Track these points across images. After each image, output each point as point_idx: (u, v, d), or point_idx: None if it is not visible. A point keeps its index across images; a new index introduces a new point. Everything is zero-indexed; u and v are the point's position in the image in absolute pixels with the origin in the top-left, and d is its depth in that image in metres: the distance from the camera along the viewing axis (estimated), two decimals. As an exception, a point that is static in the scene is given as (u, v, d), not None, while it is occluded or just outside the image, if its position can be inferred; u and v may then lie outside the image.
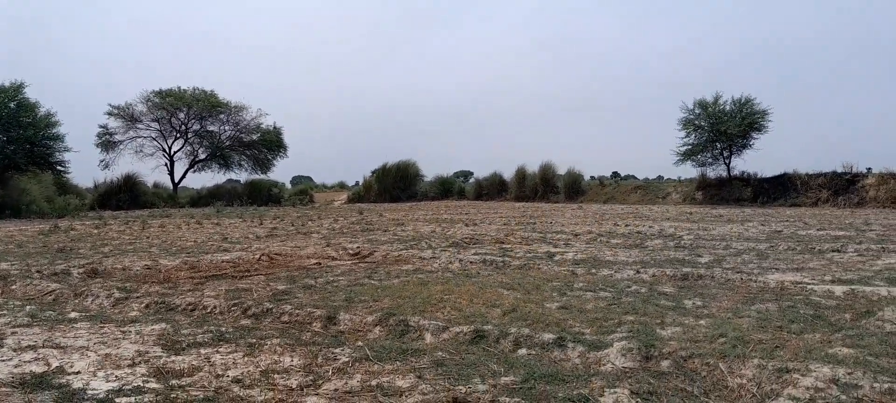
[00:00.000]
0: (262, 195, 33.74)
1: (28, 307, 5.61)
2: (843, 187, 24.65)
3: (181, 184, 36.69)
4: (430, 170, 41.56)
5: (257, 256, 8.93)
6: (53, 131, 24.87)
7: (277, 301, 5.60)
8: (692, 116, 28.41)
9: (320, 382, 3.40)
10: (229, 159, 36.84)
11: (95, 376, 3.53)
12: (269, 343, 4.23)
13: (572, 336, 4.17)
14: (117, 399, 3.14)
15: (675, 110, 29.57)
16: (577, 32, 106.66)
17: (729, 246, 9.68)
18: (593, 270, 7.30)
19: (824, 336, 4.17)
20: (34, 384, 3.38)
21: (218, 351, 4.04)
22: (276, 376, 3.50)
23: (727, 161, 28.37)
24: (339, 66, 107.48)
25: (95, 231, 14.78)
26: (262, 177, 37.13)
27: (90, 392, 3.26)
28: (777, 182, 26.60)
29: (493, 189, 36.38)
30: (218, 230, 14.90)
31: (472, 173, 48.39)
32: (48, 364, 3.75)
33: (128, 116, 34.13)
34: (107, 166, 34.04)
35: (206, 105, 34.67)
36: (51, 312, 5.41)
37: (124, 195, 29.46)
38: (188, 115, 35.05)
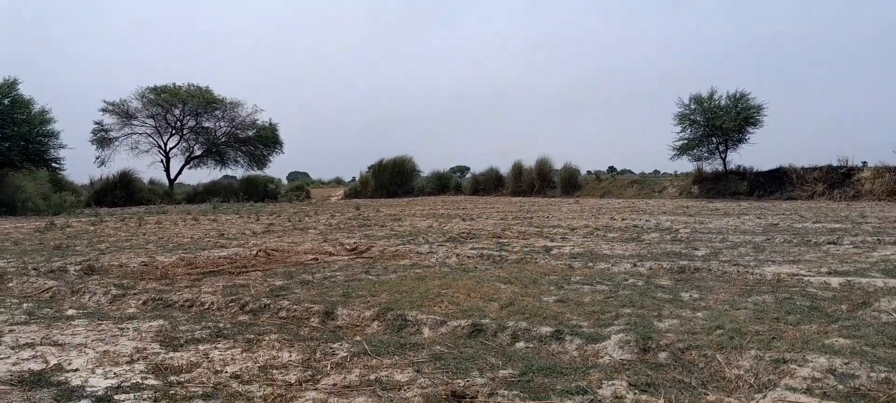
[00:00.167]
0: (258, 191, 33.74)
1: (25, 304, 5.59)
2: (838, 181, 24.74)
3: (177, 181, 36.69)
4: (427, 166, 41.64)
5: (254, 252, 8.92)
6: (48, 128, 24.82)
7: (275, 296, 5.60)
8: (688, 111, 28.51)
9: (319, 377, 3.40)
10: (225, 155, 36.83)
11: (94, 373, 3.52)
12: (267, 338, 4.23)
13: (570, 329, 4.18)
14: (116, 396, 3.13)
15: (672, 105, 29.77)
16: (573, 28, 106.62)
17: (725, 240, 9.71)
18: (590, 264, 7.32)
19: (821, 327, 4.19)
20: (32, 381, 3.38)
21: (216, 347, 4.04)
22: (274, 371, 3.50)
23: (723, 155, 28.48)
24: (336, 62, 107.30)
25: (92, 228, 14.75)
26: (259, 173, 37.18)
27: (89, 389, 3.25)
28: (773, 176, 26.68)
29: (489, 184, 36.42)
30: (214, 226, 14.88)
31: (468, 168, 48.43)
32: (46, 362, 3.75)
33: (123, 113, 34.08)
34: (102, 163, 34.05)
35: (201, 101, 34.63)
36: (48, 309, 5.40)
37: (120, 192, 29.44)
38: (183, 112, 35.01)
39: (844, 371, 3.23)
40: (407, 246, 9.60)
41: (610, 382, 3.19)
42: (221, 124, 36.54)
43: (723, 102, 27.58)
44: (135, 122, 34.78)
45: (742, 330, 4.08)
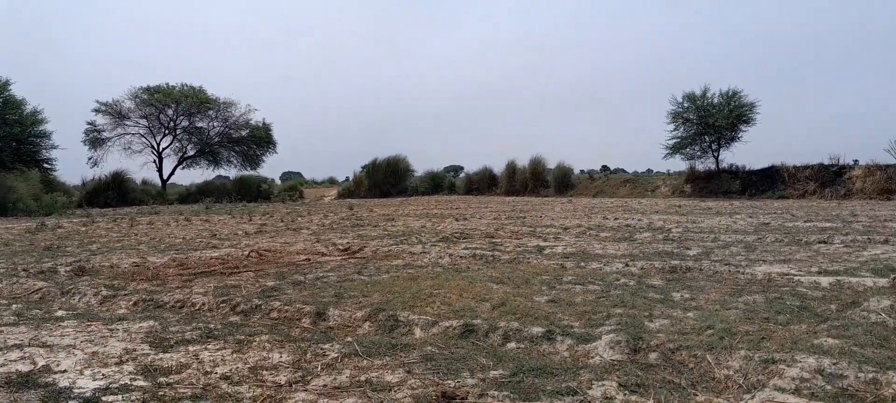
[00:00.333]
0: (251, 191, 33.64)
1: (14, 305, 5.56)
2: (830, 179, 24.86)
3: (170, 181, 36.58)
4: (421, 166, 41.68)
5: (246, 253, 8.90)
6: (40, 128, 24.71)
7: (266, 297, 5.59)
8: (681, 109, 28.59)
9: (309, 378, 3.39)
10: (218, 155, 36.73)
11: (82, 374, 3.51)
12: (257, 339, 4.21)
13: (561, 330, 4.18)
14: (104, 398, 3.12)
15: (664, 104, 29.87)
16: (568, 28, 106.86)
17: (717, 239, 9.74)
18: (582, 264, 7.33)
19: (810, 326, 4.21)
20: (20, 383, 3.35)
21: (206, 348, 4.02)
22: (264, 372, 3.49)
23: (716, 154, 28.58)
24: (330, 62, 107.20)
25: (83, 228, 14.68)
26: (252, 173, 37.05)
27: (77, 390, 3.24)
28: (765, 174, 26.79)
29: (483, 183, 36.43)
30: (207, 226, 14.83)
31: (462, 168, 48.48)
32: (34, 363, 3.73)
33: (116, 113, 33.92)
34: (95, 163, 33.89)
35: (194, 101, 34.52)
36: (37, 311, 5.37)
37: (112, 192, 29.30)
38: (177, 112, 34.87)
39: (833, 371, 3.24)
40: (400, 246, 9.59)
41: (600, 383, 3.20)
42: (215, 124, 36.45)
43: (716, 100, 27.68)
44: (128, 123, 34.67)
45: (732, 331, 4.09)
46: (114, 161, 60.69)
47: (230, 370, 3.54)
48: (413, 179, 39.13)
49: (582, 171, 36.41)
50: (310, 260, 8.22)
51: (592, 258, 7.83)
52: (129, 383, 3.34)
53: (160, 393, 3.16)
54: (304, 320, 4.82)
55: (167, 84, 34.85)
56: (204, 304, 5.37)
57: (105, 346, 4.11)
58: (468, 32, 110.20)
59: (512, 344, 4.01)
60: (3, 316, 5.09)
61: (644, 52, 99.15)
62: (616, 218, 14.62)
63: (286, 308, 5.09)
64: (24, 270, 7.47)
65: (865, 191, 23.25)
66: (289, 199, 33.78)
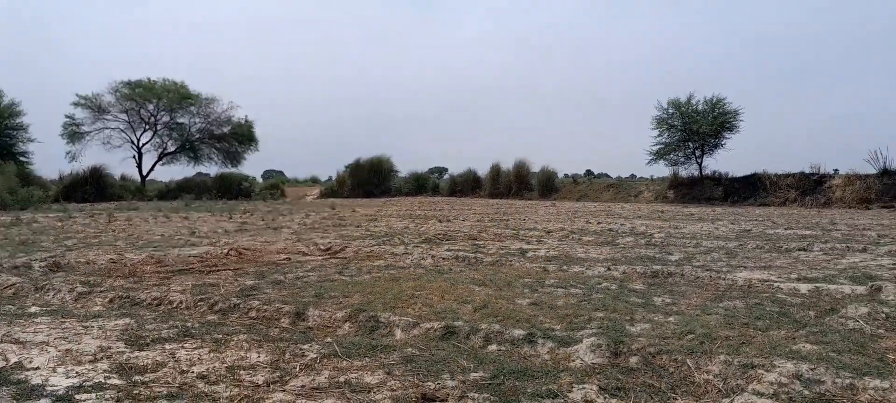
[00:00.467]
0: (232, 189, 33.37)
1: (-13, 301, 5.45)
2: (810, 187, 25.14)
3: (149, 177, 36.17)
4: (405, 166, 41.58)
5: (226, 251, 8.80)
6: (17, 121, 24.32)
7: (245, 296, 5.52)
8: (666, 116, 28.77)
9: (287, 378, 3.35)
10: (199, 152, 36.37)
11: (55, 372, 3.44)
12: (235, 338, 4.16)
13: (542, 333, 4.17)
14: (78, 396, 3.05)
15: (648, 110, 30.04)
16: (553, 32, 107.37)
17: (699, 245, 9.80)
18: (565, 267, 7.33)
19: (789, 332, 4.23)
20: (-10, 380, 3.28)
21: (183, 347, 3.96)
22: (242, 372, 3.44)
23: (699, 160, 28.80)
24: (314, 61, 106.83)
25: (59, 223, 14.46)
26: (233, 170, 36.72)
27: (49, 388, 3.17)
28: (747, 182, 27.03)
29: (467, 185, 36.45)
30: (186, 224, 14.68)
31: (446, 169, 48.42)
32: (6, 360, 3.65)
33: (95, 107, 33.45)
34: (74, 158, 33.35)
35: (176, 97, 34.14)
36: (10, 306, 5.26)
37: (90, 187, 28.92)
38: (157, 107, 34.48)
39: (810, 376, 3.26)
40: (382, 246, 9.54)
41: (580, 386, 3.19)
42: (196, 120, 36.07)
43: (700, 107, 27.90)
44: (107, 117, 34.19)
45: (712, 336, 4.10)
46: (93, 155, 59.87)
47: (207, 369, 3.49)
48: (397, 180, 39.07)
49: (566, 175, 36.60)
50: (290, 259, 8.15)
51: (575, 261, 7.84)
52: (103, 381, 3.28)
53: (135, 392, 3.10)
54: (283, 320, 4.76)
55: (148, 78, 34.47)
56: (181, 302, 5.30)
57: (79, 343, 4.03)
58: (455, 35, 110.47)
59: (493, 347, 3.99)
60: (-26, 312, 4.99)
61: (629, 59, 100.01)
62: (599, 223, 14.67)
63: (265, 307, 5.03)
64: (-3, 265, 7.33)
65: (845, 200, 23.54)
66: (270, 198, 33.54)
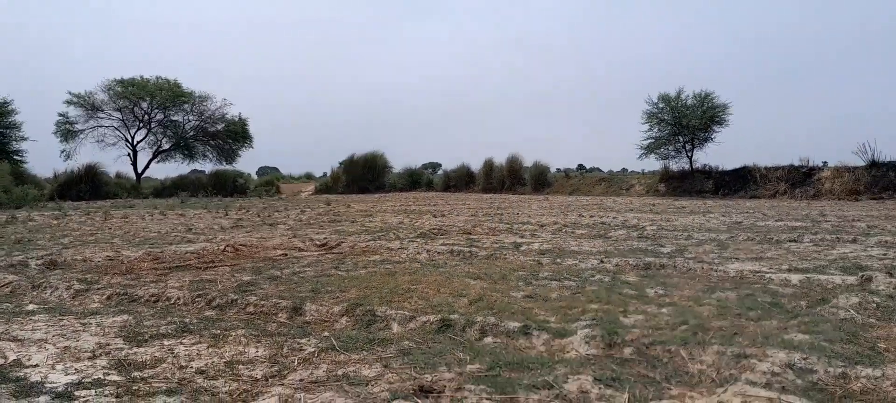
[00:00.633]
0: (227, 186, 33.28)
1: (-17, 299, 5.46)
2: (800, 180, 25.28)
3: (145, 175, 35.99)
4: (399, 162, 41.63)
5: (222, 247, 8.82)
6: (10, 120, 24.18)
7: (242, 291, 5.55)
8: (656, 110, 28.91)
9: (285, 372, 3.38)
10: (193, 149, 36.24)
11: (54, 369, 3.46)
12: (233, 334, 4.19)
13: (537, 325, 4.22)
14: (77, 392, 3.08)
15: (639, 105, 30.12)
16: (546, 29, 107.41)
17: (690, 237, 9.87)
18: (558, 260, 7.38)
19: (781, 322, 4.29)
20: (-10, 377, 3.30)
21: (181, 343, 3.99)
22: (240, 367, 3.48)
23: (690, 154, 28.94)
24: (308, 57, 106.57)
25: (55, 222, 14.42)
26: (228, 167, 36.61)
27: (48, 385, 3.19)
28: (737, 174, 27.16)
29: (461, 180, 36.48)
30: (182, 221, 14.66)
31: (440, 165, 48.49)
32: (5, 357, 3.67)
33: (88, 105, 33.27)
34: (68, 156, 33.14)
35: (169, 95, 33.99)
36: (7, 305, 5.27)
37: (85, 185, 28.76)
38: (151, 105, 34.32)
39: (803, 365, 3.31)
40: (377, 241, 9.57)
41: (575, 377, 3.23)
42: (190, 118, 35.91)
43: (689, 101, 28.06)
44: (101, 115, 34.00)
45: (705, 326, 4.16)
46: (87, 154, 59.60)
47: (205, 364, 3.52)
48: (391, 176, 39.08)
49: (558, 170, 36.63)
50: (286, 255, 8.17)
51: (568, 254, 7.89)
52: (102, 377, 3.30)
53: (134, 388, 3.13)
54: (280, 314, 4.79)
55: (141, 77, 34.28)
56: (179, 298, 5.32)
57: (77, 340, 4.05)
58: (444, 31, 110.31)
59: (489, 339, 4.03)
60: (-29, 310, 5.00)
61: (621, 55, 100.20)
62: (591, 216, 14.73)
63: (262, 302, 5.06)
64: (-7, 263, 7.33)
65: (834, 192, 23.69)
66: (265, 194, 33.49)
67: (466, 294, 5.35)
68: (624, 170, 43.86)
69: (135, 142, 35.03)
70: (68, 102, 32.90)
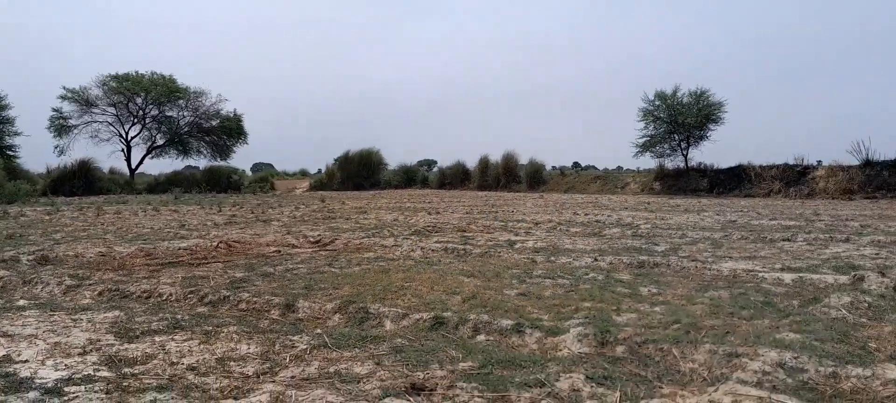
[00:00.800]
0: (221, 182, 33.20)
1: (-26, 295, 5.42)
2: (794, 179, 25.37)
3: (138, 171, 35.92)
4: (394, 159, 41.59)
5: (215, 243, 8.79)
6: (3, 115, 24.06)
7: (235, 288, 5.53)
8: (652, 108, 28.96)
9: (277, 369, 3.37)
10: (188, 145, 36.15)
11: (44, 364, 3.44)
12: (225, 330, 4.17)
13: (530, 323, 4.22)
14: (66, 388, 3.06)
15: (635, 103, 30.23)
16: (543, 27, 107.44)
17: (685, 235, 9.88)
18: (552, 258, 7.38)
19: (773, 321, 4.30)
20: (-21, 373, 3.28)
21: (173, 339, 3.97)
22: (232, 363, 3.46)
23: (685, 152, 29.01)
24: (303, 54, 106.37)
25: (47, 217, 14.36)
26: (222, 163, 36.54)
27: (38, 380, 3.17)
28: (732, 173, 27.24)
29: (456, 178, 36.50)
30: (175, 217, 14.62)
31: (435, 162, 48.42)
32: (-6, 353, 3.64)
33: (83, 100, 33.13)
34: (62, 152, 33.02)
35: (164, 90, 33.88)
36: (-2, 300, 5.24)
37: (79, 181, 28.64)
38: (146, 100, 34.20)
39: (794, 364, 3.32)
40: (371, 239, 9.56)
41: (567, 375, 3.23)
42: (185, 114, 35.83)
43: (685, 100, 28.12)
44: (95, 110, 33.88)
45: (698, 325, 4.16)
46: (81, 149, 59.32)
47: (197, 361, 3.50)
48: (386, 172, 39.06)
49: (553, 167, 36.76)
50: (280, 251, 8.15)
51: (562, 252, 7.90)
52: (92, 373, 3.28)
53: (125, 384, 3.11)
54: (273, 311, 4.78)
55: (136, 72, 34.18)
56: (171, 295, 5.30)
57: (68, 336, 4.03)
58: (440, 28, 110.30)
59: (481, 337, 4.03)
60: (-39, 305, 4.97)
61: (618, 54, 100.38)
62: (586, 214, 14.75)
63: (255, 299, 5.05)
64: (-16, 259, 7.29)
65: (828, 191, 23.78)
66: (259, 191, 33.42)
67: (460, 291, 5.34)
68: (619, 168, 44.02)
69: (129, 138, 34.95)
70: (62, 97, 32.79)
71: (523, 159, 34.33)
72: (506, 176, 33.81)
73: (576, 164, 53.81)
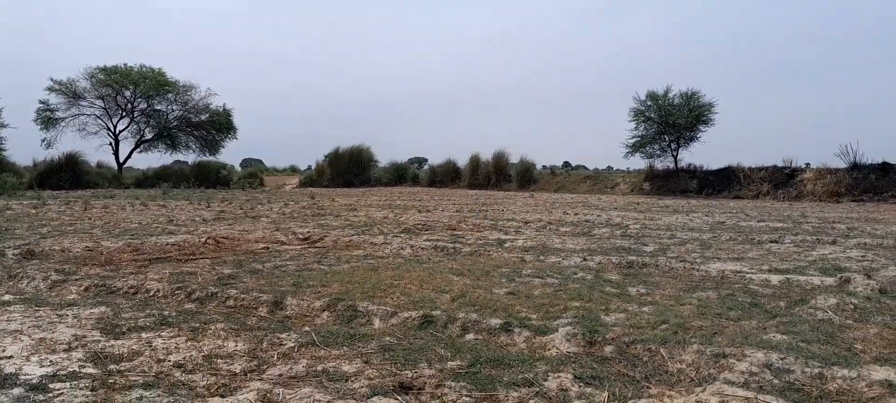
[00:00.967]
0: (210, 177, 33.03)
1: (-42, 289, 5.36)
2: (783, 181, 25.54)
3: (126, 165, 35.70)
4: (385, 156, 41.59)
5: (203, 239, 8.74)
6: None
7: (223, 285, 5.50)
8: (643, 108, 29.05)
9: (264, 367, 3.35)
10: (177, 140, 35.95)
11: (28, 361, 3.40)
12: (213, 327, 4.15)
13: (519, 322, 4.22)
14: (52, 385, 3.03)
15: (624, 104, 30.31)
16: (535, 25, 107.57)
17: (674, 236, 9.93)
18: (542, 257, 7.39)
19: (760, 322, 4.32)
20: (-38, 368, 3.24)
21: (160, 336, 3.94)
22: (219, 361, 3.44)
23: (675, 153, 29.13)
24: (294, 49, 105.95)
25: (33, 211, 14.23)
26: (211, 158, 36.35)
27: (23, 377, 3.14)
28: (721, 174, 27.39)
29: (446, 176, 36.47)
30: (163, 212, 14.53)
31: (426, 160, 48.43)
32: (-22, 348, 3.60)
33: (70, 93, 32.84)
34: (49, 145, 32.71)
35: (153, 83, 33.64)
36: (-18, 294, 5.19)
37: (66, 174, 28.44)
38: (134, 93, 33.95)
39: (780, 365, 3.33)
40: (361, 236, 9.54)
41: (556, 374, 3.23)
42: (174, 107, 35.61)
43: (676, 100, 28.23)
44: (83, 103, 33.60)
45: (686, 325, 4.18)
46: (68, 142, 58.80)
47: (184, 357, 3.48)
48: (376, 170, 38.99)
49: (544, 167, 36.77)
50: (268, 248, 8.12)
51: (552, 252, 7.91)
52: (77, 370, 3.25)
53: (110, 381, 3.09)
54: (260, 309, 4.76)
55: (125, 64, 33.92)
56: (158, 291, 5.27)
57: (53, 332, 3.99)
58: (432, 26, 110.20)
59: (470, 336, 4.03)
60: (-55, 300, 4.91)
61: (609, 53, 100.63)
62: (576, 214, 14.78)
63: (243, 296, 5.02)
64: (-31, 252, 7.21)
65: (816, 194, 23.95)
66: (248, 186, 33.25)
67: (449, 290, 5.34)
68: (609, 168, 44.18)
69: (117, 132, 34.71)
70: (49, 89, 32.49)
71: (514, 158, 34.40)
72: (496, 174, 33.83)
73: (566, 164, 53.95)
